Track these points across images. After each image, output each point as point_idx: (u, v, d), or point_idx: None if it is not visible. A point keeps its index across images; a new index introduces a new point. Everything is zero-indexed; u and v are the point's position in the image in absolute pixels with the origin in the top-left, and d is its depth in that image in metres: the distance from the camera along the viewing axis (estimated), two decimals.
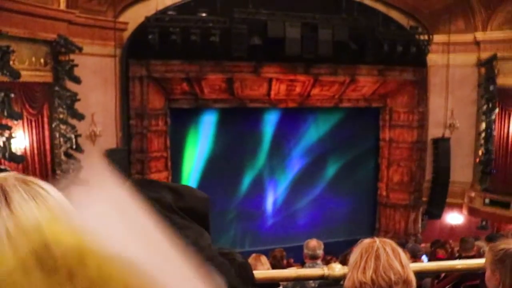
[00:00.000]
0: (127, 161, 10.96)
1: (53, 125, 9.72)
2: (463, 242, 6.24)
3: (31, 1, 8.86)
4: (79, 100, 9.82)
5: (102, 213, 0.66)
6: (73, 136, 9.88)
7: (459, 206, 14.19)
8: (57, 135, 9.75)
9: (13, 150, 8.21)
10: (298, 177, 14.03)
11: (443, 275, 4.67)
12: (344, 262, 4.41)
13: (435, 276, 4.97)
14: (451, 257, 8.04)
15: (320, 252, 4.70)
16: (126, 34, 11.24)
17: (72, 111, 9.77)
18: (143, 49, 10.65)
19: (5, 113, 7.94)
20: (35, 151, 9.35)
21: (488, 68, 13.24)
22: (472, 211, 13.83)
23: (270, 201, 14.05)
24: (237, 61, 11.40)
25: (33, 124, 9.32)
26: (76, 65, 9.70)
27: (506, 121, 13.47)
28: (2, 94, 7.84)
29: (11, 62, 8.18)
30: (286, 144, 13.86)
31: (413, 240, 12.43)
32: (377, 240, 1.83)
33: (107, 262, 0.60)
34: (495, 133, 13.50)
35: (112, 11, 10.86)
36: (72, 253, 0.59)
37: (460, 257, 6.19)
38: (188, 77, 11.35)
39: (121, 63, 10.99)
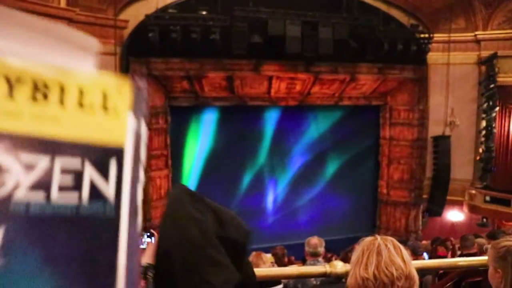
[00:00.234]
0: None
1: None
2: (463, 240, 6.25)
3: None
4: None
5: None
6: None
7: (459, 204, 14.21)
8: None
9: None
10: (298, 175, 14.04)
11: (441, 271, 4.68)
12: (345, 260, 4.42)
13: (436, 273, 4.98)
14: (452, 254, 8.05)
15: (321, 249, 4.71)
16: (127, 32, 11.24)
17: None
18: (143, 47, 10.65)
19: None
20: None
21: (488, 67, 13.26)
22: (472, 209, 13.84)
23: (270, 199, 14.07)
24: (237, 59, 11.38)
25: None
26: None
27: (507, 119, 13.50)
28: None
29: None
30: (287, 142, 13.86)
31: (413, 237, 12.46)
32: (378, 237, 1.84)
33: None
34: (495, 130, 13.53)
35: (113, 9, 10.86)
36: None
37: (461, 255, 6.21)
38: (188, 75, 11.34)
39: (121, 61, 10.98)
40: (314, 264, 4.43)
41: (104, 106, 0.74)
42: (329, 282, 2.86)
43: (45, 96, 0.69)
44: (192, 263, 0.99)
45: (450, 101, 13.78)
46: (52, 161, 0.68)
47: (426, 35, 12.66)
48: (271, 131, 13.62)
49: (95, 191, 0.69)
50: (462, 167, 14.06)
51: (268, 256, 5.72)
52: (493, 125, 13.47)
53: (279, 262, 6.99)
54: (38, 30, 0.73)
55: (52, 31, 0.74)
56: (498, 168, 13.63)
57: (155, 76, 11.14)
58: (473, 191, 13.83)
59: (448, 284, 4.23)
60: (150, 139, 11.44)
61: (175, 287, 0.99)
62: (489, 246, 2.55)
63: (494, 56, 13.03)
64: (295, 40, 11.07)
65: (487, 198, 13.41)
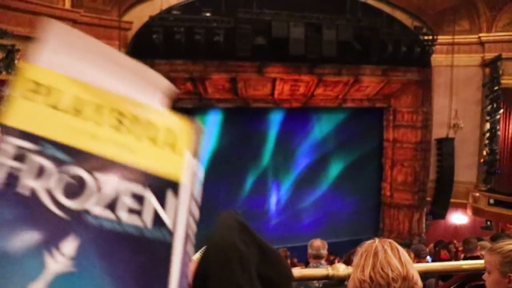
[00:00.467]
0: None
1: None
2: (466, 243, 6.23)
3: (36, 0, 8.89)
4: None
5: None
6: None
7: (463, 206, 14.16)
8: None
9: None
10: (302, 177, 14.02)
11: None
12: (348, 262, 4.40)
13: (439, 276, 4.96)
14: (455, 257, 8.02)
15: (324, 252, 4.70)
16: (131, 34, 11.26)
17: None
18: (147, 48, 10.65)
19: None
20: None
21: (492, 69, 13.21)
22: (476, 211, 13.79)
23: (273, 201, 14.05)
24: (241, 61, 11.39)
25: None
26: None
27: (511, 121, 13.44)
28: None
29: (16, 61, 8.21)
30: (290, 144, 13.85)
31: (417, 240, 12.42)
32: (377, 240, 1.85)
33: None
34: (499, 133, 13.48)
35: (117, 10, 10.89)
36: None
37: (464, 258, 6.18)
38: (192, 76, 11.35)
39: None
40: (316, 267, 4.42)
41: (170, 143, 0.87)
42: (331, 284, 2.85)
43: (126, 127, 0.83)
44: None
45: (454, 103, 13.74)
46: (124, 185, 0.79)
47: (430, 37, 12.64)
48: (274, 133, 13.61)
49: (156, 217, 0.80)
50: (466, 169, 14.02)
51: None
52: (497, 128, 13.42)
53: None
54: (123, 66, 0.90)
55: (135, 69, 0.92)
56: (502, 170, 13.57)
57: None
58: (477, 194, 13.78)
59: (452, 287, 4.21)
60: None
61: None
62: (485, 251, 2.48)
63: (498, 58, 12.98)
64: (299, 42, 11.07)
65: (491, 201, 13.36)
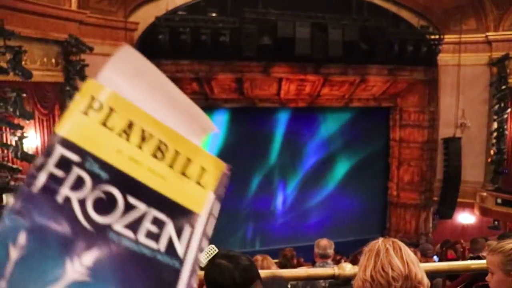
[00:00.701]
0: None
1: None
2: (473, 243, 6.21)
3: (42, 1, 8.94)
4: None
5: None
6: None
7: (470, 206, 14.10)
8: None
9: (25, 149, 8.28)
10: (308, 176, 14.02)
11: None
12: (354, 262, 4.40)
13: (446, 276, 4.95)
14: (462, 257, 7.99)
15: (330, 251, 4.69)
16: (137, 34, 11.30)
17: None
18: (153, 49, 10.66)
19: (17, 113, 8.00)
20: None
21: (500, 68, 13.14)
22: (483, 211, 13.73)
23: (280, 201, 14.05)
24: (247, 61, 11.40)
25: (45, 123, 9.40)
26: (87, 65, 9.74)
27: None
28: (14, 94, 7.91)
29: (23, 62, 8.25)
30: (296, 144, 13.85)
31: (424, 240, 12.37)
32: (380, 239, 1.85)
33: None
34: (507, 132, 13.41)
35: (123, 11, 10.93)
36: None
37: (471, 258, 6.16)
38: (198, 76, 11.37)
39: None
40: (323, 266, 4.42)
41: (199, 180, 0.93)
42: (337, 284, 2.86)
43: (163, 156, 0.88)
44: None
45: (461, 102, 13.69)
46: (149, 209, 0.84)
47: (437, 37, 12.60)
48: (280, 132, 13.61)
49: (170, 246, 0.85)
50: (473, 169, 13.96)
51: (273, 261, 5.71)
52: (505, 127, 13.36)
53: (288, 264, 6.97)
54: (177, 100, 0.97)
55: (187, 105, 0.98)
56: (509, 170, 13.50)
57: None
58: (484, 194, 13.72)
59: (459, 287, 4.20)
60: None
61: None
62: (486, 252, 2.48)
63: (506, 57, 12.92)
64: (305, 42, 11.06)
65: (499, 200, 13.29)
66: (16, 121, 8.16)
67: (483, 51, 13.49)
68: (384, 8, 12.83)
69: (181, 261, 0.86)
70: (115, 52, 0.89)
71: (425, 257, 7.18)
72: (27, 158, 8.21)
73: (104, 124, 0.83)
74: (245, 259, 1.83)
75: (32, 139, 8.89)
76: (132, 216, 0.82)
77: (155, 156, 0.87)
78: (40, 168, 0.76)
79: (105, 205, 0.80)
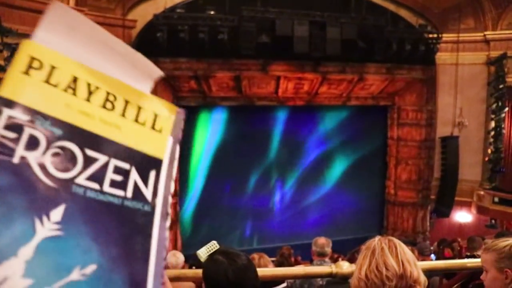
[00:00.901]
0: None
1: None
2: (470, 241, 6.23)
3: None
4: None
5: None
6: None
7: (467, 205, 14.14)
8: None
9: None
10: (306, 175, 14.02)
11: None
12: (352, 260, 4.41)
13: (443, 275, 4.97)
14: (459, 256, 8.01)
15: (328, 249, 4.70)
16: (135, 32, 11.28)
17: None
18: (151, 46, 10.64)
19: None
20: None
21: (498, 67, 13.17)
22: (481, 210, 13.76)
23: (278, 199, 14.05)
24: (245, 59, 11.38)
25: None
26: None
27: None
28: None
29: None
30: (294, 142, 13.84)
31: (421, 238, 12.41)
32: (377, 238, 1.85)
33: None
34: (504, 131, 13.45)
35: (121, 9, 10.91)
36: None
37: (468, 256, 6.18)
38: (196, 74, 11.36)
39: None
40: (320, 264, 4.42)
41: (153, 125, 0.95)
42: (335, 282, 2.86)
43: (113, 106, 0.90)
44: None
45: (459, 101, 13.71)
46: (109, 159, 0.86)
47: (435, 35, 12.60)
48: (278, 131, 13.61)
49: (137, 191, 0.87)
50: (470, 168, 13.99)
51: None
52: (502, 126, 13.39)
53: (286, 262, 6.98)
54: (119, 51, 0.96)
55: (130, 55, 0.98)
56: (507, 169, 13.54)
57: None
58: (482, 192, 13.75)
59: (456, 285, 4.21)
60: None
61: None
62: (481, 251, 2.49)
63: (504, 56, 12.94)
64: (303, 40, 11.05)
65: (496, 199, 13.33)
66: None
67: (481, 50, 13.52)
68: (383, 7, 12.83)
69: (151, 205, 0.89)
70: (46, 11, 0.89)
71: (422, 255, 7.21)
72: None
73: (47, 81, 0.84)
74: (244, 259, 1.82)
75: None
76: (93, 168, 0.84)
77: (105, 107, 0.89)
78: None
79: (64, 160, 0.81)
